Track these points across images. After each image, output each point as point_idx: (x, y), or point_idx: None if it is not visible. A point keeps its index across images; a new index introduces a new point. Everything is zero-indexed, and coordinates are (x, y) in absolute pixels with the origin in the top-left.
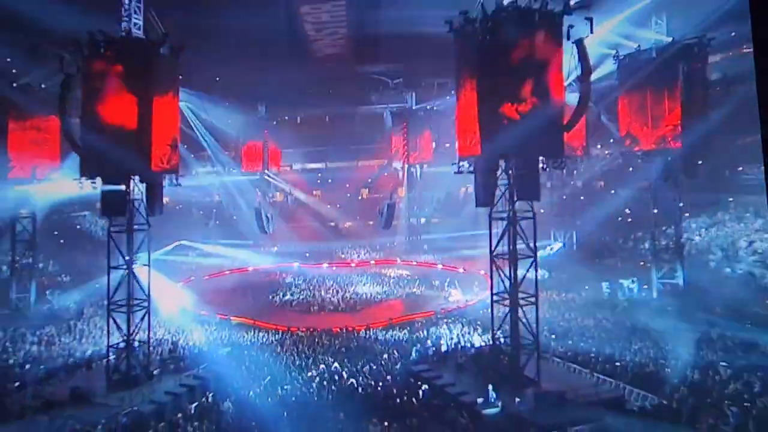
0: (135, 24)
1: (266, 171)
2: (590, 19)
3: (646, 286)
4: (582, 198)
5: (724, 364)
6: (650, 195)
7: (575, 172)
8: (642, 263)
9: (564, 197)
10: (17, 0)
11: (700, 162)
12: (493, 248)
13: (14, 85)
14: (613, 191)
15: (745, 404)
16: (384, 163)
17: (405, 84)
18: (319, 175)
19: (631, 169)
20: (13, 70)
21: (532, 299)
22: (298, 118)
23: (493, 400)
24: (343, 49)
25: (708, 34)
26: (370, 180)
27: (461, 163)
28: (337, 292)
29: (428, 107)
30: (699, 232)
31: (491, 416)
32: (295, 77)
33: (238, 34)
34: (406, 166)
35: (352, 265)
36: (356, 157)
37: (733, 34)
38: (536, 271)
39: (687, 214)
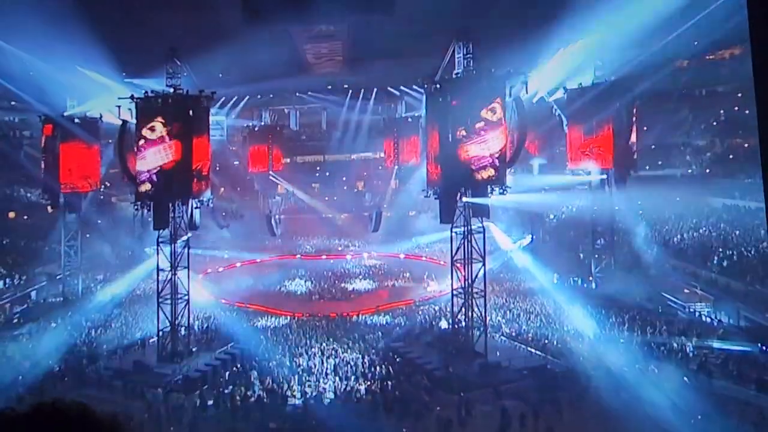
0: (177, 80)
1: (271, 172)
2: (526, 82)
3: (591, 278)
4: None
5: (621, 341)
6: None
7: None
8: (596, 256)
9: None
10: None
11: (629, 175)
12: (453, 255)
13: (63, 115)
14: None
15: (625, 369)
16: (378, 156)
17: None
18: (318, 168)
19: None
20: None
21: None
22: (298, 113)
23: (448, 368)
24: (340, 70)
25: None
26: (365, 173)
27: (429, 190)
28: (334, 282)
29: (416, 115)
30: (644, 230)
31: (445, 379)
32: (295, 85)
33: (249, 62)
34: (396, 167)
35: (348, 257)
36: (352, 151)
37: (696, 43)
38: (485, 273)
39: (640, 212)
